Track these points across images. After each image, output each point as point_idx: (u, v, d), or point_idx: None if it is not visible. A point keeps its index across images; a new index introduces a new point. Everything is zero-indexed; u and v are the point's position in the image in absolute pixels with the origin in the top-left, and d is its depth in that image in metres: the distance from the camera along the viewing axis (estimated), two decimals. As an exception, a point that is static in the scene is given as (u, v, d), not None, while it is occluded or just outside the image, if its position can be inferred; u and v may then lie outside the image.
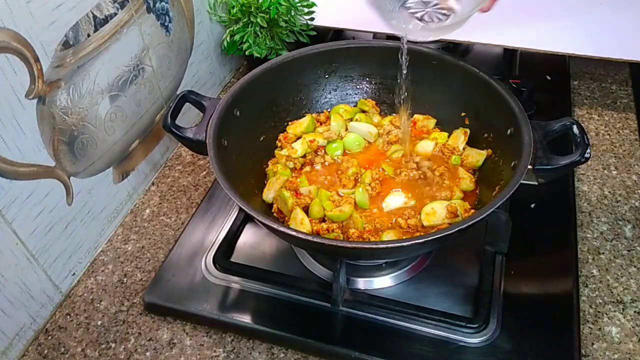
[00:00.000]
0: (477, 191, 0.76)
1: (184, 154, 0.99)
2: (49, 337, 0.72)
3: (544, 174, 0.65)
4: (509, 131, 0.71)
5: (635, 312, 0.70)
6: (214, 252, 0.77)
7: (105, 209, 0.83)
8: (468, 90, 0.79)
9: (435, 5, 0.68)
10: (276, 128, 0.85)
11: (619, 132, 0.97)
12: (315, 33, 1.05)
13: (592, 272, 0.75)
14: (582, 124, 0.78)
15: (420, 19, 0.68)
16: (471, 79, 0.77)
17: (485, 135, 0.78)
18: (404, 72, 0.74)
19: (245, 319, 0.70)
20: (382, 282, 0.73)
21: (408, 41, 0.71)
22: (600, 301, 0.72)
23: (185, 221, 0.85)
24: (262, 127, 0.83)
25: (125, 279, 0.79)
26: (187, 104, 0.76)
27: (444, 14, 0.67)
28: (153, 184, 0.93)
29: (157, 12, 0.85)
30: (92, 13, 0.72)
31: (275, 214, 0.75)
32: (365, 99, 0.88)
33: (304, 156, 0.81)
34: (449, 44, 1.06)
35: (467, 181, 0.75)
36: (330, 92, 0.88)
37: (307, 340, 0.67)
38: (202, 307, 0.71)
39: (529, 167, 0.63)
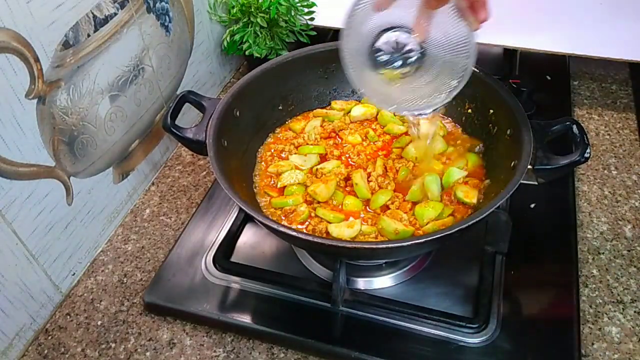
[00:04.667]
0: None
1: (184, 154, 0.99)
2: (49, 337, 0.72)
3: (543, 174, 0.65)
4: (508, 131, 0.71)
5: (635, 312, 0.70)
6: (214, 252, 0.77)
7: (105, 209, 0.83)
8: (468, 90, 0.78)
9: (405, 50, 0.63)
10: (276, 128, 0.85)
11: (619, 132, 0.97)
12: (315, 33, 1.05)
13: (592, 272, 0.75)
14: (582, 124, 0.78)
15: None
16: (471, 79, 0.77)
17: (485, 135, 0.78)
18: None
19: (245, 319, 0.70)
20: (382, 282, 0.73)
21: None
22: (600, 301, 0.72)
23: (185, 221, 0.85)
24: (262, 127, 0.83)
25: (125, 279, 0.79)
26: (187, 104, 0.76)
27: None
28: (153, 184, 0.93)
29: (157, 12, 0.85)
30: (92, 13, 0.72)
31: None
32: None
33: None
34: (449, 44, 1.06)
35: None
36: (330, 92, 0.88)
37: (307, 340, 0.67)
38: (202, 307, 0.71)
39: (529, 167, 0.63)
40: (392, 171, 0.76)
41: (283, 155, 0.81)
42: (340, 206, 0.73)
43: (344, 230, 0.69)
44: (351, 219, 0.71)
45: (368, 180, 0.75)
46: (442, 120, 0.84)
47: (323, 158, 0.80)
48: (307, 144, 0.82)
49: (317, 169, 0.77)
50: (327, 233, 0.69)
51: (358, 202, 0.73)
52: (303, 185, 0.75)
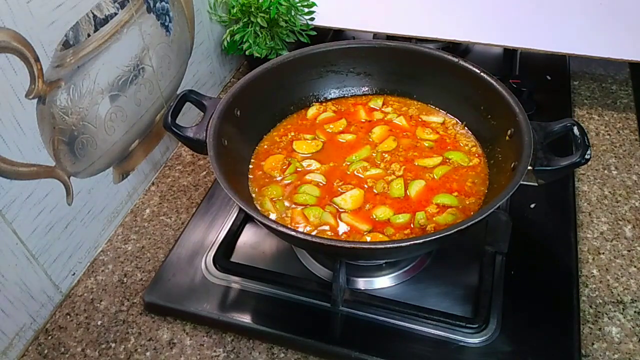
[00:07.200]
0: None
1: (184, 154, 0.99)
2: (49, 337, 0.72)
3: (544, 175, 0.65)
4: (509, 132, 0.71)
5: (635, 312, 0.70)
6: (214, 252, 0.77)
7: (105, 209, 0.83)
8: (468, 90, 0.79)
9: None
10: (276, 128, 0.85)
11: (619, 132, 0.97)
12: (315, 33, 1.05)
13: (592, 272, 0.75)
14: (582, 124, 0.78)
15: None
16: (471, 79, 0.77)
17: (485, 135, 0.78)
18: None
19: (245, 319, 0.70)
20: (382, 282, 0.73)
21: (410, 40, 0.69)
22: (600, 301, 0.72)
23: (185, 221, 0.85)
24: (262, 127, 0.83)
25: (125, 279, 0.79)
26: (187, 104, 0.76)
27: None
28: (153, 184, 0.93)
29: (157, 12, 0.85)
30: (92, 13, 0.72)
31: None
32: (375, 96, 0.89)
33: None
34: (449, 44, 1.06)
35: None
36: (330, 92, 0.88)
37: (307, 340, 0.67)
38: (202, 307, 0.71)
39: (529, 168, 0.63)
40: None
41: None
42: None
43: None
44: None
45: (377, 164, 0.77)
46: (441, 121, 0.84)
47: (323, 158, 0.80)
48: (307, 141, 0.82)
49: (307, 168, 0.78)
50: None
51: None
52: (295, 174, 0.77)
